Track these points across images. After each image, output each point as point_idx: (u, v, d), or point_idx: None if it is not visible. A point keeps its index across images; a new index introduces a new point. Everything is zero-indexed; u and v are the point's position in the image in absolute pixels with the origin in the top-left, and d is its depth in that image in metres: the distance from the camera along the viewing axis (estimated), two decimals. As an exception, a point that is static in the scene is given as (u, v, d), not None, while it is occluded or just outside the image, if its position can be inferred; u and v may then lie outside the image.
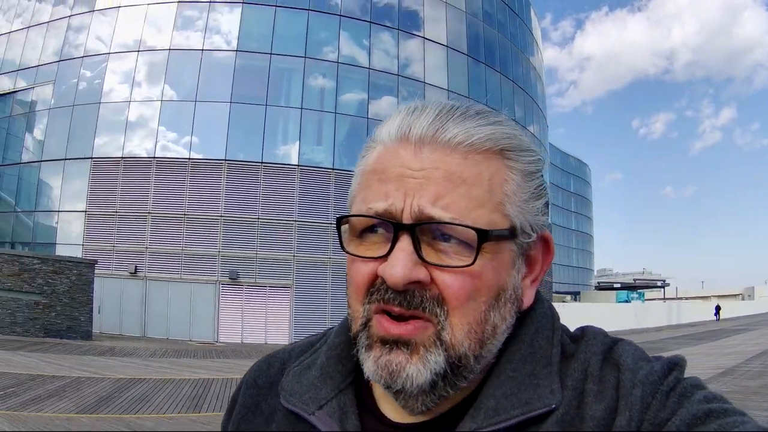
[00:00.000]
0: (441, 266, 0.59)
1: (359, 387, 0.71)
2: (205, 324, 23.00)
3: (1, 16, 29.20)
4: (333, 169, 23.54)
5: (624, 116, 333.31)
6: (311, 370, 0.74)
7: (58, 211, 24.96)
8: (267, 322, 23.08)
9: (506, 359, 0.65)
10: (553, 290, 36.97)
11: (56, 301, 18.94)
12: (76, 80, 25.51)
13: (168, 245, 23.17)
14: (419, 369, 0.60)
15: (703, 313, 38.45)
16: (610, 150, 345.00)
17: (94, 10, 25.89)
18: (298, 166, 23.51)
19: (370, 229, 0.63)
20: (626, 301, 39.33)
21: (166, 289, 23.03)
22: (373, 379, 0.63)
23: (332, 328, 0.78)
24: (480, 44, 27.71)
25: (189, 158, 23.49)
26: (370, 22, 25.47)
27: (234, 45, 24.40)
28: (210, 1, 24.88)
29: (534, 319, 0.68)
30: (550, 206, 0.69)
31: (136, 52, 24.83)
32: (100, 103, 24.70)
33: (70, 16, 26.45)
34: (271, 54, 24.26)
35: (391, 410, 0.69)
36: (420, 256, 0.59)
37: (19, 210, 26.27)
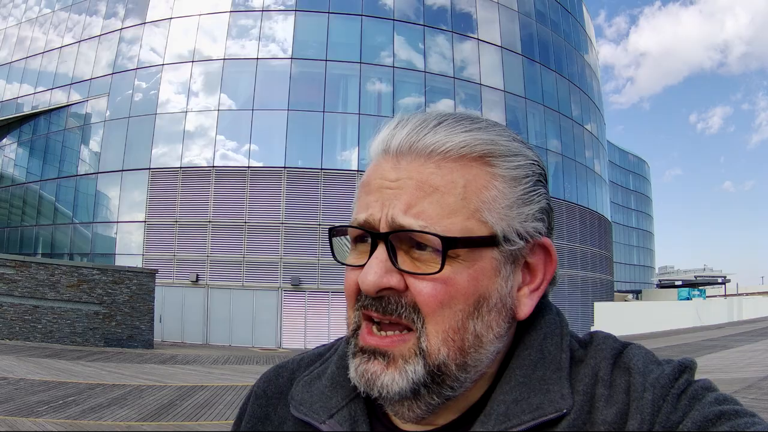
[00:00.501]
0: (413, 273, 0.65)
1: (370, 395, 0.72)
2: (267, 330, 24.34)
3: (52, 30, 31.10)
4: (393, 173, 24.82)
5: (681, 111, 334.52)
6: (321, 380, 0.79)
7: (117, 222, 26.46)
8: (330, 327, 24.19)
9: (516, 365, 0.69)
10: (615, 289, 37.94)
11: (116, 310, 19.73)
12: (131, 92, 27.12)
13: (229, 253, 24.56)
14: (394, 378, 0.65)
15: (764, 309, 38.89)
16: (668, 146, 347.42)
17: (145, 22, 27.54)
18: (358, 171, 24.81)
19: (360, 239, 0.70)
20: (687, 299, 39.92)
21: (228, 297, 24.39)
22: (357, 386, 0.69)
23: (341, 338, 0.82)
24: (534, 44, 28.93)
25: (248, 166, 24.93)
26: (424, 25, 26.78)
27: (289, 53, 25.83)
28: (262, 10, 26.40)
29: (542, 325, 0.72)
30: (550, 212, 0.73)
31: (191, 63, 26.38)
32: (156, 114, 26.24)
33: (121, 29, 28.16)
34: (326, 60, 25.66)
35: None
36: (394, 264, 0.65)
37: (77, 222, 27.89)
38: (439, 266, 0.63)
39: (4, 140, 32.24)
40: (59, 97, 29.52)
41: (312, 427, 0.75)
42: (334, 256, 0.72)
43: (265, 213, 24.59)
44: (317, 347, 0.90)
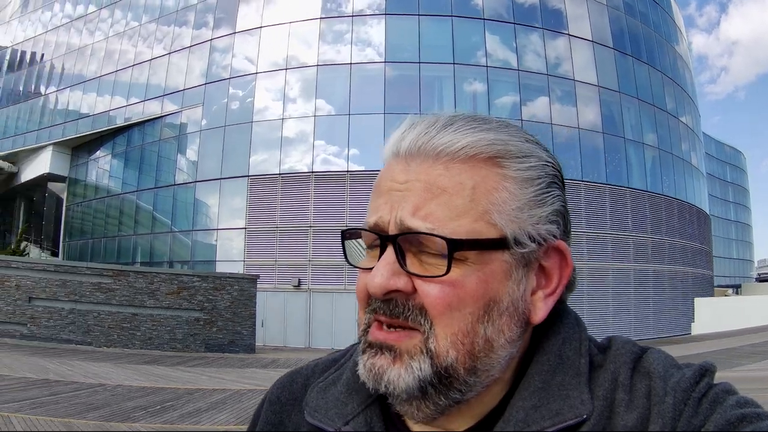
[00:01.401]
0: (421, 276, 0.67)
1: (386, 403, 0.76)
2: (370, 333, 25.40)
3: (141, 42, 32.91)
4: (491, 173, 25.56)
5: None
6: (337, 386, 0.81)
7: (217, 229, 27.77)
8: (433, 329, 25.21)
9: (534, 371, 0.71)
10: (715, 284, 38.07)
11: (217, 316, 20.33)
12: (226, 101, 28.59)
13: (331, 257, 25.49)
14: (400, 373, 0.67)
15: None
16: (765, 135, 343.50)
17: (236, 32, 29.02)
18: (456, 171, 25.65)
19: (371, 245, 0.73)
20: (785, 292, 39.86)
21: (330, 300, 25.37)
22: (365, 382, 0.71)
23: (356, 344, 0.83)
24: (625, 37, 29.50)
25: (347, 171, 26.02)
26: (515, 23, 27.60)
27: (382, 56, 26.95)
28: (353, 15, 27.57)
29: (561, 330, 0.75)
30: (566, 215, 0.75)
31: (284, 70, 27.69)
32: (252, 122, 27.59)
33: (211, 39, 29.67)
34: (419, 63, 26.66)
35: (414, 424, 0.75)
36: (402, 266, 0.67)
37: (176, 230, 29.44)
38: (445, 269, 0.66)
39: (98, 152, 34.15)
40: (153, 108, 31.15)
41: None
42: (346, 258, 0.76)
43: (365, 216, 25.48)
44: (332, 353, 0.94)
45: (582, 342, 0.74)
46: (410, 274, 0.68)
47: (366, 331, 0.72)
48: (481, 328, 0.67)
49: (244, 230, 26.92)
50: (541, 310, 0.72)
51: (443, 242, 0.66)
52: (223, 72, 29.08)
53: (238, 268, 25.71)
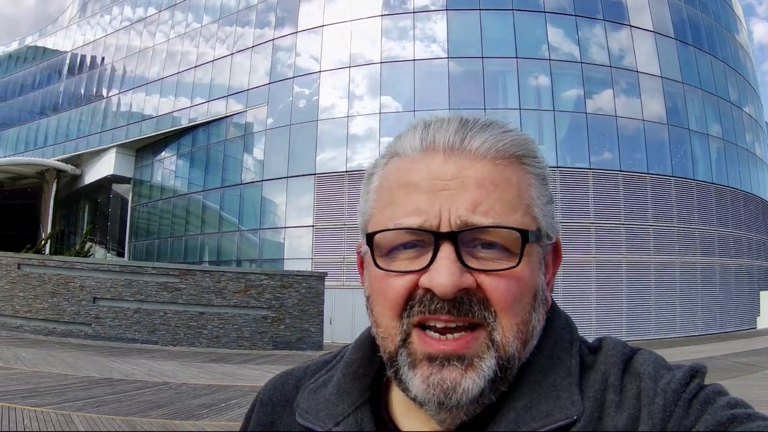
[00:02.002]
0: (485, 270, 0.67)
1: (376, 403, 0.78)
2: (438, 328, 25.51)
3: (203, 43, 33.47)
4: (557, 167, 25.20)
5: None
6: (327, 387, 0.82)
7: (285, 228, 28.09)
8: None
9: (527, 371, 0.72)
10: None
11: (285, 314, 20.26)
12: (291, 99, 29.02)
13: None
14: (474, 380, 0.66)
15: None
16: None
17: (298, 31, 29.43)
18: (521, 166, 25.66)
19: (400, 248, 0.70)
20: None
21: (398, 297, 25.72)
22: (423, 398, 0.68)
23: (348, 345, 0.86)
24: (686, 26, 29.26)
25: (415, 167, 26.18)
26: (575, 15, 27.53)
27: (444, 52, 27.13)
28: (414, 12, 27.76)
29: (552, 330, 0.76)
30: None
31: (348, 68, 28.00)
32: (317, 120, 27.92)
33: (273, 39, 30.17)
34: (482, 58, 26.75)
35: (409, 426, 0.76)
36: (463, 263, 0.67)
37: (243, 229, 29.88)
38: (512, 262, 0.68)
39: (163, 153, 34.79)
40: (218, 108, 31.67)
41: None
42: (376, 263, 0.72)
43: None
44: (323, 355, 0.93)
45: (573, 343, 0.76)
46: (473, 270, 0.68)
47: (406, 341, 0.70)
48: (533, 316, 0.71)
49: (311, 228, 27.17)
50: (549, 299, 0.77)
51: (510, 235, 0.69)
52: (287, 71, 29.50)
53: (306, 266, 25.92)
